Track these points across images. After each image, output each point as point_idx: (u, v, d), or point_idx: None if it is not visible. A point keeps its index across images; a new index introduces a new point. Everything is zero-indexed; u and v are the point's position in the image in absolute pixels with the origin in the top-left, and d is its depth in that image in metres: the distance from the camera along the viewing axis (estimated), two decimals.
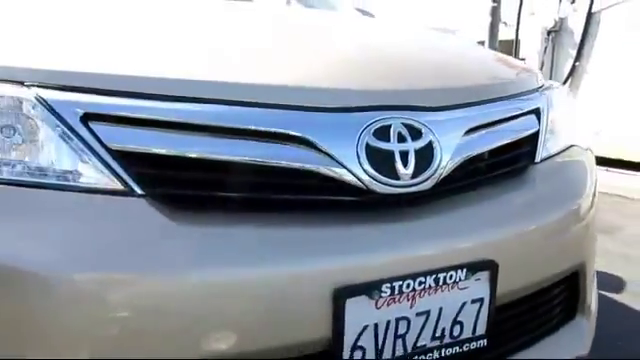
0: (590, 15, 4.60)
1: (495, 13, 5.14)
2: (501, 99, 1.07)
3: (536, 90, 1.19)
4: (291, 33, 1.15)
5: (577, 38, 4.73)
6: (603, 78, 4.45)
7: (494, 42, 5.10)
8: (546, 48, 4.97)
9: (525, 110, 1.10)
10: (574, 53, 4.72)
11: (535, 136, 1.11)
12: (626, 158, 3.92)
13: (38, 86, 0.74)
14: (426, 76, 1.00)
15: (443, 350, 0.88)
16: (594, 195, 1.16)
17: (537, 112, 1.13)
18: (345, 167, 0.81)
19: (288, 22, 1.30)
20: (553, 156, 1.14)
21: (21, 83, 0.75)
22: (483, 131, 0.99)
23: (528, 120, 1.11)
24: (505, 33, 5.22)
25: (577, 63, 4.68)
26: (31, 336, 0.67)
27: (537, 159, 1.10)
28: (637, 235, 2.75)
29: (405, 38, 1.35)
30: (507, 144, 1.03)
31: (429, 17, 5.28)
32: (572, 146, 1.22)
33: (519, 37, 5.23)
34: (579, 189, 1.11)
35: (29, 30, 0.92)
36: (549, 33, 4.92)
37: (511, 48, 5.08)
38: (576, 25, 4.73)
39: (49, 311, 0.68)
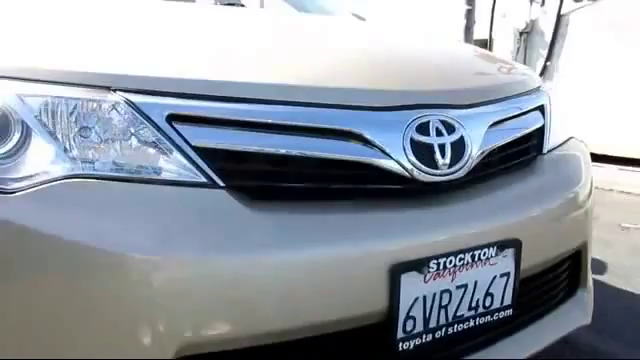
0: (559, 17, 4.84)
1: (470, 16, 5.33)
2: (513, 97, 1.20)
3: (537, 89, 1.32)
4: (326, 40, 1.26)
5: (548, 39, 4.96)
6: (573, 77, 4.68)
7: (469, 42, 5.29)
8: (518, 48, 5.19)
9: (532, 107, 1.24)
10: (545, 53, 4.95)
11: (541, 130, 1.24)
12: (594, 151, 4.16)
13: (126, 91, 0.82)
14: (453, 77, 1.12)
15: (477, 319, 1.00)
16: (592, 182, 1.31)
17: (542, 108, 1.26)
18: (393, 159, 0.92)
19: (315, 30, 1.41)
20: (556, 147, 1.28)
21: (108, 88, 0.83)
22: (502, 125, 1.11)
23: (535, 115, 1.24)
24: (480, 33, 5.43)
25: (548, 63, 4.91)
26: (136, 315, 0.76)
27: (544, 150, 1.23)
28: (612, 222, 2.94)
29: (421, 42, 1.47)
30: (520, 137, 1.16)
31: (409, 18, 5.45)
32: (570, 138, 1.36)
33: (492, 37, 5.44)
34: (581, 176, 1.25)
35: (111, 38, 1.00)
36: (521, 34, 5.14)
37: (485, 48, 5.29)
38: (546, 26, 4.97)
39: (148, 290, 0.76)
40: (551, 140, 1.26)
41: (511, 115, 1.15)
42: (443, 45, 1.50)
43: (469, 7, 5.31)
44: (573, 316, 1.27)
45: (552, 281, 1.21)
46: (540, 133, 1.24)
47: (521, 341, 1.12)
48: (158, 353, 0.76)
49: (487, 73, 1.26)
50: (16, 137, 0.80)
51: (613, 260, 2.41)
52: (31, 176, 0.77)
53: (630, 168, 4.11)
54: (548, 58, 4.92)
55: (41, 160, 0.79)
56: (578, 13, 4.77)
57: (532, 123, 1.22)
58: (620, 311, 1.91)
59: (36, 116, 0.80)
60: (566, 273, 1.27)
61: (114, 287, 0.75)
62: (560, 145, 1.30)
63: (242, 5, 1.93)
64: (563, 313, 1.25)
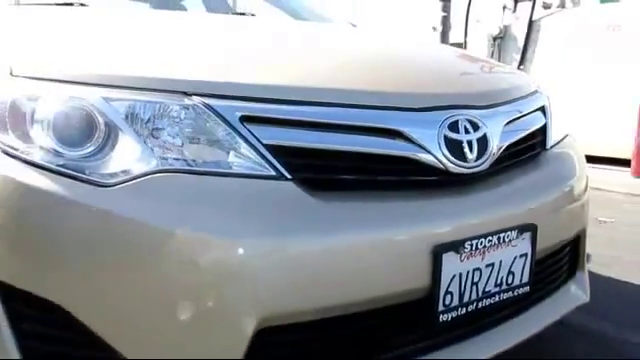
0: (531, 23, 5.10)
1: (446, 21, 5.56)
2: (520, 98, 1.34)
3: (536, 91, 1.47)
4: (355, 47, 1.39)
5: (520, 44, 5.22)
6: (544, 80, 4.93)
7: None
8: (493, 52, 5.43)
9: (536, 107, 1.38)
10: (518, 57, 5.21)
11: (544, 128, 1.39)
12: None
13: (202, 95, 0.92)
14: (473, 81, 1.26)
15: (501, 294, 1.13)
16: (587, 175, 1.46)
17: (543, 109, 1.42)
18: (430, 153, 1.05)
19: (340, 38, 1.53)
20: (557, 144, 1.43)
21: (185, 93, 0.93)
22: (513, 124, 1.26)
23: (538, 115, 1.39)
24: (455, 38, 5.65)
25: (521, 67, 5.16)
26: (223, 291, 0.86)
27: (547, 146, 1.38)
28: (590, 217, 3.14)
29: (435, 50, 1.61)
30: (528, 134, 1.31)
31: (389, 24, 5.63)
32: (566, 135, 1.52)
33: (467, 42, 5.67)
34: (580, 168, 1.40)
35: (184, 49, 1.10)
36: (495, 39, 5.38)
37: None
38: (519, 32, 5.22)
39: (231, 269, 0.86)
40: (552, 137, 1.41)
41: (520, 115, 1.30)
42: (454, 52, 1.65)
43: (445, 14, 5.55)
44: (575, 294, 1.43)
45: (557, 263, 1.36)
46: (543, 131, 1.38)
47: (536, 315, 1.26)
48: (243, 325, 0.86)
49: (497, 77, 1.40)
50: (102, 137, 0.89)
51: (595, 251, 2.60)
52: (124, 171, 0.87)
53: (599, 166, 4.36)
54: (521, 62, 5.17)
55: (130, 157, 0.88)
56: (548, 19, 5.04)
57: (536, 122, 1.36)
58: (607, 295, 2.09)
59: (123, 118, 0.90)
60: (568, 256, 1.42)
61: (202, 266, 0.84)
62: (559, 142, 1.45)
63: (253, 15, 2.04)
64: (566, 291, 1.40)
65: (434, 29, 5.90)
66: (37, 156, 0.88)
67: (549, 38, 5.02)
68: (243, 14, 2.00)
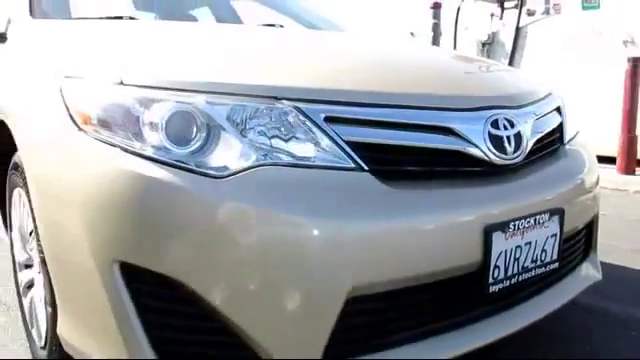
0: (518, 29, 5.35)
1: (436, 28, 5.78)
2: (540, 100, 1.52)
3: (551, 93, 1.66)
4: (398, 55, 1.55)
5: (508, 49, 5.47)
6: None
7: None
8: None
9: (554, 107, 1.57)
10: (506, 62, 5.45)
11: (561, 125, 1.57)
12: None
13: (292, 99, 1.08)
14: (505, 84, 1.44)
15: (536, 270, 1.31)
16: (597, 167, 1.65)
17: (559, 109, 1.60)
18: (478, 147, 1.21)
19: (381, 47, 1.70)
20: (572, 139, 1.61)
21: (275, 97, 1.08)
22: (539, 122, 1.43)
23: (556, 114, 1.57)
24: (446, 44, 5.87)
25: None
26: (324, 265, 1.00)
27: (565, 141, 1.56)
28: None
29: (463, 56, 1.79)
30: (550, 131, 1.49)
31: (383, 30, 5.83)
32: (578, 132, 1.71)
33: (457, 48, 5.90)
34: (592, 162, 1.59)
35: (269, 60, 1.25)
36: (484, 45, 5.62)
37: None
38: (506, 38, 5.47)
39: (323, 246, 1.01)
40: (568, 134, 1.60)
41: (543, 114, 1.48)
42: (476, 58, 1.83)
43: (435, 21, 5.76)
44: (590, 272, 1.61)
45: (577, 244, 1.54)
46: (560, 128, 1.57)
47: (561, 290, 1.44)
48: (337, 295, 1.01)
49: (521, 81, 1.58)
50: (206, 136, 1.04)
51: None
52: (231, 166, 1.01)
53: None
54: (509, 66, 5.41)
55: (234, 153, 1.03)
56: (534, 26, 5.29)
57: (555, 120, 1.55)
58: (609, 279, 2.29)
59: (225, 119, 1.05)
60: (584, 239, 1.60)
61: (301, 245, 0.99)
62: (573, 138, 1.63)
63: (281, 26, 2.20)
64: (583, 269, 1.59)
65: (412, 34, 6.12)
66: (151, 152, 1.02)
67: (535, 43, 5.28)
68: (273, 25, 2.16)
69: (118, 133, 1.05)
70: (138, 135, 1.04)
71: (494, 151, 1.24)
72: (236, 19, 2.55)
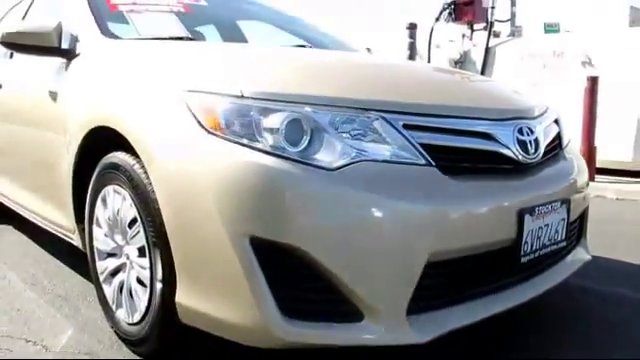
0: (487, 49, 5.85)
1: (412, 47, 6.22)
2: (544, 113, 1.89)
3: (549, 107, 2.03)
4: (438, 75, 1.89)
5: (478, 66, 5.96)
6: None
7: None
8: None
9: (554, 118, 1.93)
10: None
11: (559, 133, 1.94)
12: None
13: (378, 110, 1.38)
14: (521, 101, 1.79)
15: (551, 247, 1.65)
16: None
17: (557, 120, 1.97)
18: (510, 149, 1.55)
19: (422, 68, 2.03)
20: (567, 145, 1.98)
21: (365, 109, 1.38)
22: (547, 129, 1.79)
23: (555, 124, 1.94)
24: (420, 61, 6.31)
25: None
26: (415, 239, 1.31)
27: (563, 147, 1.93)
28: None
29: (480, 77, 2.14)
30: (553, 137, 1.85)
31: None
32: (570, 140, 2.08)
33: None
34: (584, 164, 1.96)
35: (355, 77, 1.55)
36: (456, 63, 6.09)
37: None
38: (477, 57, 5.96)
39: (410, 224, 1.31)
40: (564, 141, 1.97)
41: (549, 124, 1.84)
42: (491, 79, 2.19)
43: (411, 40, 6.20)
44: (582, 253, 1.97)
45: (574, 229, 1.90)
46: (559, 136, 1.93)
47: (565, 265, 1.80)
48: (421, 260, 1.32)
49: (529, 97, 1.94)
50: (310, 138, 1.33)
51: None
52: (337, 161, 1.30)
53: None
54: None
55: (338, 151, 1.32)
56: (503, 46, 5.81)
57: (555, 129, 1.91)
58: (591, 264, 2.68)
59: (328, 125, 1.34)
60: (578, 226, 1.97)
61: (393, 221, 1.29)
62: (567, 144, 2.01)
63: (310, 46, 2.50)
64: (577, 251, 1.95)
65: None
66: (272, 149, 1.30)
67: (503, 62, 5.78)
68: (303, 46, 2.46)
69: (243, 135, 1.32)
70: (259, 136, 1.32)
71: (521, 152, 1.58)
72: (242, 38, 2.80)
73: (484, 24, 6.04)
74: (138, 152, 1.50)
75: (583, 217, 1.99)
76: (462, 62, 6.07)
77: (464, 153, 1.48)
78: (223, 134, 1.33)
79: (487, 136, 1.53)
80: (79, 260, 2.53)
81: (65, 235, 2.19)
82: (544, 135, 1.73)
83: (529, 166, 1.62)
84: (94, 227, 1.86)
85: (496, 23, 5.99)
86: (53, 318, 2.02)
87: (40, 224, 2.44)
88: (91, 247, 1.90)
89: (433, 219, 1.34)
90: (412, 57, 6.21)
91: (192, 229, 1.36)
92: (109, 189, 1.73)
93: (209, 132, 1.35)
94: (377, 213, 1.29)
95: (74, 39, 2.11)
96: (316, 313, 1.30)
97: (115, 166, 1.66)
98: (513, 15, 6.14)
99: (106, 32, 2.07)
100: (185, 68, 1.59)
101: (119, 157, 1.65)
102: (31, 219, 2.55)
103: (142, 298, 1.61)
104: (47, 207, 2.25)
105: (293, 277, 1.29)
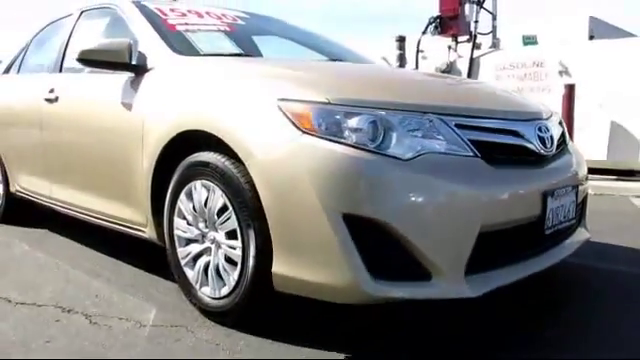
0: (472, 60, 6.31)
1: (402, 58, 6.64)
2: (553, 114, 2.28)
3: (553, 111, 2.42)
4: (470, 84, 2.26)
5: (464, 76, 6.41)
6: None
7: None
8: None
9: (559, 119, 2.33)
10: None
11: (563, 133, 2.33)
12: None
13: (434, 113, 1.74)
14: (537, 104, 2.18)
15: (564, 223, 2.03)
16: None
17: (560, 122, 2.37)
18: (533, 144, 1.93)
19: (447, 79, 2.40)
20: (569, 142, 2.38)
21: (424, 112, 1.74)
22: (557, 128, 2.18)
23: (559, 125, 2.33)
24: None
25: None
26: (469, 215, 1.66)
27: (567, 143, 2.33)
28: None
29: (494, 85, 2.54)
30: (561, 134, 2.24)
31: None
32: (570, 139, 2.49)
33: None
34: (583, 158, 2.36)
35: (399, 85, 1.90)
36: (442, 72, 6.54)
37: None
38: (463, 66, 6.42)
39: (465, 203, 1.67)
40: (567, 138, 2.37)
41: (558, 122, 2.23)
42: (508, 89, 2.59)
43: (401, 51, 6.63)
44: (584, 232, 2.37)
45: (579, 211, 2.29)
46: (563, 135, 2.33)
47: (572, 239, 2.18)
48: (475, 229, 1.67)
49: (539, 102, 2.34)
50: (383, 134, 1.67)
51: None
52: (408, 153, 1.65)
53: None
54: None
55: (407, 145, 1.66)
56: (486, 57, 6.28)
57: (560, 129, 2.31)
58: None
59: (397, 124, 1.68)
60: (580, 209, 2.36)
61: (457, 199, 1.65)
62: (569, 142, 2.40)
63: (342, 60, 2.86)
64: (580, 230, 2.34)
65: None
66: (357, 144, 1.63)
67: (486, 71, 6.26)
68: (340, 60, 2.82)
69: (332, 133, 1.66)
70: (345, 134, 1.65)
71: (541, 146, 1.96)
72: (257, 51, 3.10)
73: (467, 36, 6.51)
74: (235, 150, 1.81)
75: (584, 202, 2.38)
76: (448, 71, 6.51)
77: (500, 147, 1.85)
78: (315, 133, 1.66)
79: (516, 133, 1.91)
80: (127, 256, 2.82)
81: (135, 229, 2.45)
82: (555, 133, 2.12)
83: (546, 157, 2.01)
84: (175, 218, 2.15)
85: (478, 36, 6.46)
86: (132, 301, 2.30)
87: (103, 223, 2.69)
88: (171, 236, 2.18)
89: (483, 198, 1.70)
90: (401, 67, 6.63)
91: (290, 210, 1.68)
92: (196, 184, 2.02)
93: (303, 132, 1.68)
94: (442, 194, 1.64)
95: (143, 56, 2.40)
96: (396, 274, 1.63)
97: (204, 164, 1.96)
98: (494, 28, 6.64)
99: (176, 50, 2.38)
100: (272, 81, 1.91)
101: (208, 156, 1.95)
102: (90, 219, 2.80)
103: (231, 274, 1.91)
104: (115, 206, 2.52)
105: (378, 245, 1.62)
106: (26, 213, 3.85)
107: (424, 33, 6.67)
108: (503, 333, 1.93)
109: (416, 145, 1.68)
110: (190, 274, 2.11)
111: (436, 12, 6.60)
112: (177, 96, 2.15)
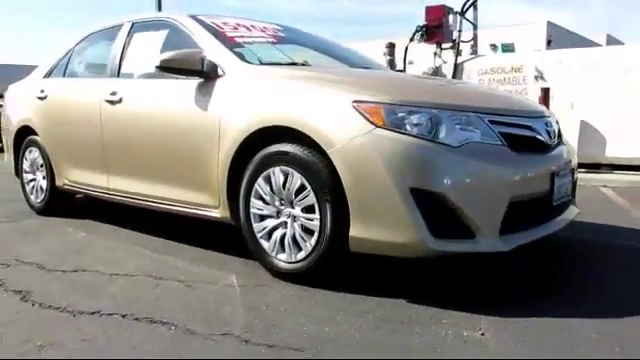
0: (456, 65, 6.93)
1: (391, 63, 7.20)
2: (551, 114, 2.85)
3: (550, 111, 3.00)
4: (491, 91, 2.81)
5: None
6: None
7: None
8: None
9: (555, 119, 2.91)
10: None
11: (559, 128, 2.90)
12: None
13: (474, 112, 2.27)
14: (540, 105, 2.75)
15: (564, 198, 2.61)
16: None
17: (557, 120, 2.94)
18: (542, 136, 2.49)
19: (464, 84, 2.94)
20: (563, 135, 2.96)
21: (465, 110, 2.27)
22: (555, 124, 2.75)
23: (556, 123, 2.90)
24: None
25: None
26: (504, 190, 2.20)
27: (562, 137, 2.90)
28: None
29: (497, 89, 3.09)
30: (558, 129, 2.81)
31: None
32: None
33: None
34: (574, 147, 2.94)
35: (436, 89, 2.42)
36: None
37: None
38: (447, 71, 7.03)
39: (502, 179, 2.21)
40: (562, 133, 2.94)
41: (555, 121, 2.81)
42: (514, 93, 3.14)
43: (391, 57, 7.19)
44: (575, 208, 2.94)
45: (572, 190, 2.87)
46: (559, 130, 2.90)
47: (567, 213, 2.75)
48: (506, 200, 2.20)
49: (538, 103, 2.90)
50: (436, 127, 2.18)
51: None
52: (455, 142, 2.17)
53: None
54: None
55: (455, 137, 2.18)
56: (470, 62, 6.91)
57: (557, 125, 2.88)
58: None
59: (447, 120, 2.20)
60: (573, 188, 2.93)
61: (492, 177, 2.18)
62: (563, 135, 2.98)
63: (369, 68, 3.37)
64: (572, 206, 2.92)
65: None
66: (418, 135, 2.15)
67: (469, 76, 6.88)
68: (369, 68, 3.33)
69: (397, 126, 2.16)
70: (408, 127, 2.16)
71: (547, 138, 2.52)
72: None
73: (451, 44, 7.14)
74: (318, 141, 2.29)
75: (575, 183, 2.96)
76: (435, 76, 7.11)
77: (520, 138, 2.40)
78: (385, 126, 2.17)
79: (530, 128, 2.46)
80: (177, 239, 3.24)
81: (207, 211, 2.88)
82: (555, 128, 2.69)
83: (551, 146, 2.57)
84: (252, 199, 2.60)
85: (460, 43, 7.10)
86: (209, 272, 2.73)
87: (170, 208, 3.10)
88: (247, 214, 2.64)
89: (511, 176, 2.24)
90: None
91: (367, 186, 2.17)
92: (274, 170, 2.49)
93: (376, 126, 2.17)
94: (482, 172, 2.18)
95: (212, 64, 2.84)
96: (449, 233, 2.15)
97: (283, 153, 2.43)
98: (475, 36, 7.28)
99: (243, 59, 2.84)
100: (344, 86, 2.40)
101: (287, 146, 2.42)
102: (155, 206, 3.21)
103: (308, 241, 2.39)
104: (187, 193, 2.94)
105: (436, 211, 2.13)
106: (66, 206, 4.22)
107: (411, 40, 7.26)
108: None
109: (461, 136, 2.20)
110: (266, 245, 2.57)
111: (421, 21, 7.20)
112: (255, 98, 2.61)
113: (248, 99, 2.65)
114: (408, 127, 2.18)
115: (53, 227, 3.84)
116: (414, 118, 2.18)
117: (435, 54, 7.16)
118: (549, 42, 17.57)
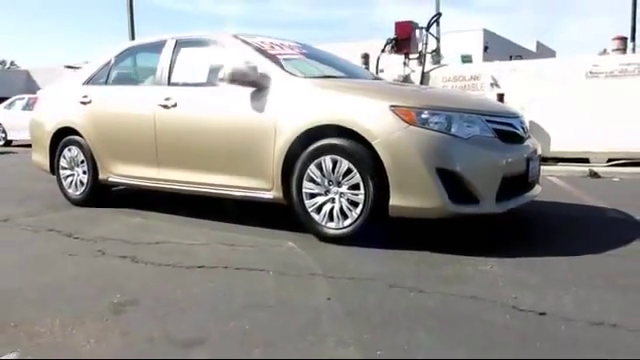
0: (423, 73, 7.92)
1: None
2: (522, 114, 3.80)
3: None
4: (484, 98, 3.72)
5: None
6: None
7: None
8: None
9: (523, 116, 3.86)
10: None
11: (525, 125, 3.86)
12: None
13: (477, 114, 3.16)
14: (513, 108, 3.69)
15: (535, 177, 3.57)
16: None
17: (525, 119, 3.90)
18: (519, 130, 3.43)
19: (459, 92, 3.84)
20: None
21: (470, 113, 3.15)
22: (525, 122, 3.70)
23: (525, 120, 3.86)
24: None
25: None
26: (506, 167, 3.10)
27: (529, 132, 3.86)
28: None
29: (475, 94, 4.02)
30: (526, 125, 3.76)
31: None
32: None
33: None
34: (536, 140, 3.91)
35: (445, 98, 3.30)
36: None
37: None
38: (415, 79, 8.00)
39: (496, 162, 3.10)
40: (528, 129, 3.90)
41: (524, 120, 3.76)
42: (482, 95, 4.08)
43: (365, 66, 8.07)
44: (539, 187, 3.90)
45: (539, 172, 3.82)
46: (528, 126, 3.85)
47: (538, 188, 3.71)
48: (500, 175, 3.10)
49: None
50: (451, 125, 3.05)
51: None
52: (464, 135, 3.04)
53: None
54: None
55: (465, 131, 3.06)
56: (435, 71, 7.91)
57: (526, 123, 3.83)
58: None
59: (458, 119, 3.08)
60: (539, 171, 3.89)
61: (493, 160, 3.07)
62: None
63: (379, 79, 4.22)
64: (537, 185, 3.87)
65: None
66: (439, 130, 3.01)
67: (435, 83, 7.88)
68: (379, 79, 4.17)
69: (424, 124, 3.01)
70: (432, 125, 3.01)
71: (522, 132, 3.46)
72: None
73: (417, 55, 8.12)
74: (364, 135, 3.09)
75: (540, 167, 3.92)
76: (405, 83, 8.06)
77: (505, 132, 3.30)
78: (416, 124, 3.01)
79: (511, 125, 3.38)
80: (226, 220, 3.93)
81: (261, 192, 3.61)
82: (526, 125, 3.64)
83: (524, 139, 3.50)
84: (304, 182, 3.38)
85: (425, 54, 8.09)
86: (266, 240, 3.46)
87: (224, 192, 3.80)
88: (299, 193, 3.40)
89: (503, 159, 3.14)
90: None
91: (403, 167, 3.00)
92: (325, 158, 3.27)
93: (409, 124, 3.01)
94: (485, 156, 3.06)
95: (265, 76, 3.59)
96: (462, 200, 3.01)
97: (332, 145, 3.23)
98: (438, 48, 8.31)
99: (288, 71, 3.61)
100: (379, 94, 3.22)
101: (335, 140, 3.22)
102: (212, 191, 3.89)
103: (353, 210, 3.19)
104: (243, 179, 3.66)
105: (454, 184, 2.98)
106: (103, 197, 4.80)
107: (383, 51, 8.18)
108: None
109: (468, 132, 3.08)
110: (316, 217, 3.35)
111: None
112: (305, 104, 3.39)
113: (298, 105, 3.42)
114: (431, 124, 3.03)
115: (105, 215, 4.42)
116: (435, 118, 3.04)
117: (404, 63, 8.11)
118: (486, 48, 19.05)
